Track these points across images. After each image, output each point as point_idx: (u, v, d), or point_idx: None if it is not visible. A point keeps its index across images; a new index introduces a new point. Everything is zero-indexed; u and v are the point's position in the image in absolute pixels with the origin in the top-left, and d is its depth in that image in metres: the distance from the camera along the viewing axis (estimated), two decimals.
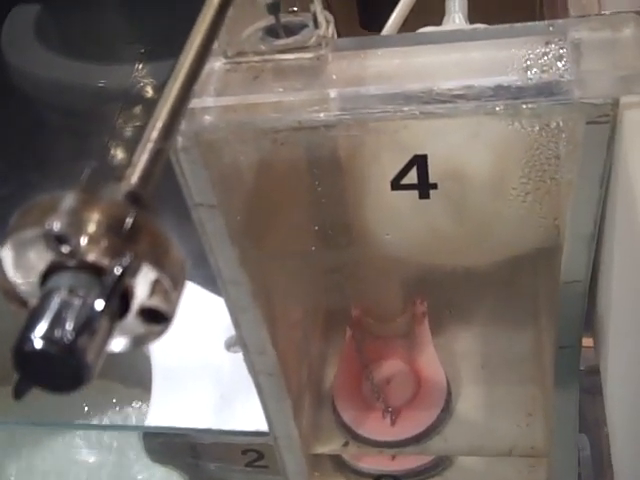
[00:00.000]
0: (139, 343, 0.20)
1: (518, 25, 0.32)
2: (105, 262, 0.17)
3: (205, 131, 0.32)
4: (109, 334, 0.17)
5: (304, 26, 0.34)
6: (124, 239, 0.17)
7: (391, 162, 0.33)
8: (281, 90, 0.32)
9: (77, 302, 0.17)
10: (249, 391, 0.61)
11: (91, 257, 0.17)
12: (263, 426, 0.55)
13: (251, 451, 0.59)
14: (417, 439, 0.45)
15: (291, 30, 0.34)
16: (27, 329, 0.17)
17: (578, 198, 0.32)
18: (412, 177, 0.33)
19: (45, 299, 0.17)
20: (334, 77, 0.32)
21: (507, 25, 0.33)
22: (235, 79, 0.33)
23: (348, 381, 0.46)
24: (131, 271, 0.17)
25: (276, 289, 0.40)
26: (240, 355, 0.67)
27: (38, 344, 0.16)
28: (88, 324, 0.17)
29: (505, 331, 0.46)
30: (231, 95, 0.32)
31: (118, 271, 0.17)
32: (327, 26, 0.34)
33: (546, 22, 0.32)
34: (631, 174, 0.29)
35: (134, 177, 0.19)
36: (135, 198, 0.18)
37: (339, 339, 0.48)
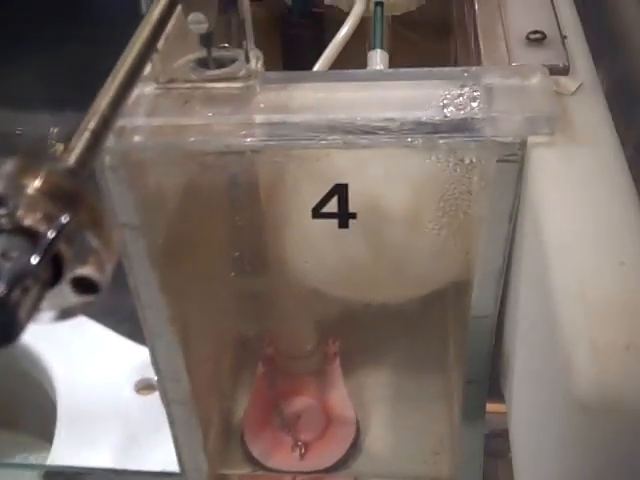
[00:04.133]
0: (66, 315, 0.20)
1: (436, 69, 0.35)
2: (41, 227, 0.18)
3: (133, 150, 0.33)
4: (41, 296, 0.18)
5: (234, 60, 0.35)
6: (61, 206, 0.18)
7: (313, 190, 0.34)
8: (210, 115, 0.33)
9: (10, 262, 0.17)
10: (158, 433, 0.60)
11: (27, 221, 0.18)
12: (170, 466, 0.54)
13: None
14: (326, 472, 0.45)
15: (222, 63, 0.36)
16: None
17: (488, 233, 0.34)
18: (333, 206, 0.35)
19: None
20: (262, 105, 0.33)
21: (426, 69, 0.35)
22: (165, 103, 0.34)
23: (258, 415, 0.47)
24: (65, 235, 0.18)
25: (193, 316, 0.41)
26: (149, 398, 0.67)
27: None
28: (20, 281, 0.17)
29: (416, 370, 0.48)
30: (161, 117, 0.33)
31: (52, 234, 0.18)
32: (257, 62, 0.36)
33: (461, 68, 0.34)
34: (537, 212, 0.31)
35: (71, 159, 0.20)
36: (73, 174, 0.19)
37: (250, 374, 0.48)
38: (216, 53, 0.36)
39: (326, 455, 0.45)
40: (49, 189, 0.18)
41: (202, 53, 0.36)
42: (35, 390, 0.69)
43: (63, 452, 0.61)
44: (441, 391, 0.47)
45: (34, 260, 0.17)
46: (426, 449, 0.46)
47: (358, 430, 0.46)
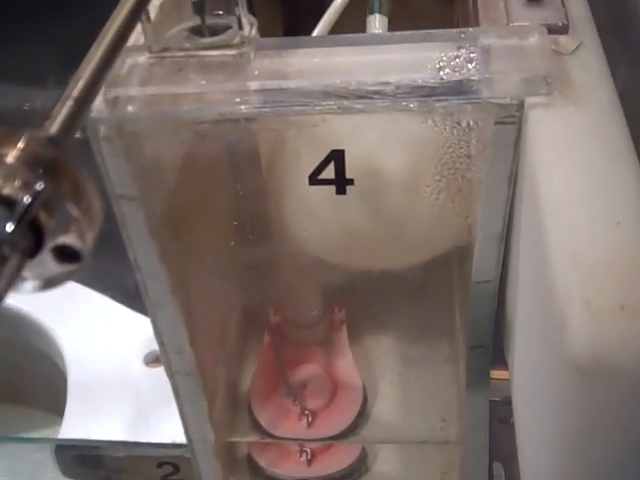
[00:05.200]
0: (50, 284, 0.20)
1: (432, 31, 0.34)
2: (19, 195, 0.18)
3: (128, 121, 0.33)
4: (21, 265, 0.18)
5: (228, 28, 0.35)
6: (39, 174, 0.18)
7: (309, 157, 0.34)
8: (204, 83, 0.33)
9: None
10: (167, 405, 0.61)
11: (5, 190, 0.18)
12: (179, 438, 0.55)
13: (166, 464, 0.58)
14: (333, 440, 0.45)
15: (215, 31, 0.35)
16: None
17: (488, 196, 0.34)
18: (330, 173, 0.34)
19: None
20: (256, 72, 0.33)
21: (422, 31, 0.34)
22: (159, 72, 0.34)
23: (265, 384, 0.47)
24: (44, 203, 0.18)
25: (195, 286, 0.40)
26: (158, 370, 0.67)
27: None
28: None
29: (422, 336, 0.48)
30: (154, 86, 0.33)
31: (28, 200, 0.18)
32: (251, 28, 0.35)
33: (458, 30, 0.34)
34: (536, 173, 0.30)
35: (53, 128, 0.19)
36: (54, 142, 0.19)
37: (257, 343, 0.48)
38: (210, 21, 0.35)
39: (333, 423, 0.45)
40: (28, 157, 0.18)
41: (196, 21, 0.35)
42: (45, 365, 0.70)
43: (74, 426, 0.61)
44: (448, 357, 0.47)
45: (9, 228, 0.17)
46: (433, 415, 0.46)
47: (365, 397, 0.47)
